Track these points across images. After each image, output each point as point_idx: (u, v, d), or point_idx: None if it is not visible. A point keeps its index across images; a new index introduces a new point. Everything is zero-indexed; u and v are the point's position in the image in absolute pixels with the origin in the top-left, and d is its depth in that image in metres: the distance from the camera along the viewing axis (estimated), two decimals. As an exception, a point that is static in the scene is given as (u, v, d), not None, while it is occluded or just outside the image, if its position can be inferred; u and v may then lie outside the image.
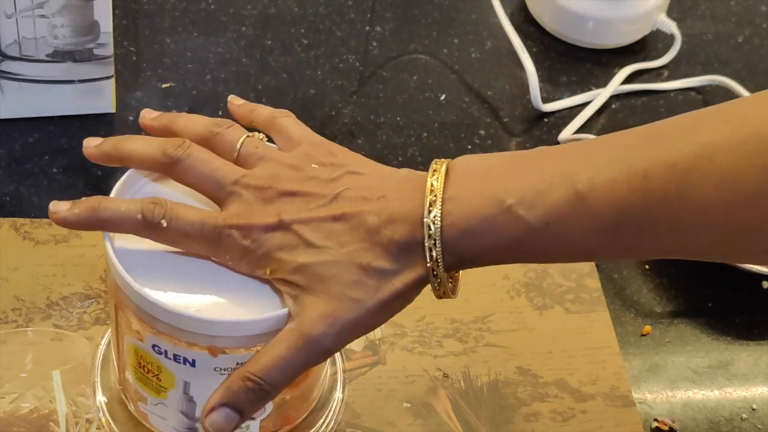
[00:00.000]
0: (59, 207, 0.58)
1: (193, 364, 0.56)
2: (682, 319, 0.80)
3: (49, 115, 0.84)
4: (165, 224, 0.56)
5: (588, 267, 0.81)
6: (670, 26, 1.00)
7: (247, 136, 0.59)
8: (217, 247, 0.56)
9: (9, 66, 0.81)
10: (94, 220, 0.57)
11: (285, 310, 0.55)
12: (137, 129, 0.85)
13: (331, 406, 0.68)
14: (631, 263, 0.83)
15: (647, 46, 1.02)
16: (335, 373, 0.69)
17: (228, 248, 0.56)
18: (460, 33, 1.00)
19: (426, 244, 0.54)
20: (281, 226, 0.55)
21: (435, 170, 0.56)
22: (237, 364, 0.56)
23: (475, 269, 0.78)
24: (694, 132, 0.52)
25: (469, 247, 0.55)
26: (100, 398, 0.65)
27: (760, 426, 0.74)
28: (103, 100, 0.85)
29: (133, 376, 0.60)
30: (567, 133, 0.91)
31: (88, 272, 0.74)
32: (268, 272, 0.56)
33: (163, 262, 0.57)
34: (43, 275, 0.73)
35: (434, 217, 0.54)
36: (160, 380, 0.58)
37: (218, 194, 0.57)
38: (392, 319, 0.74)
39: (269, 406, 0.60)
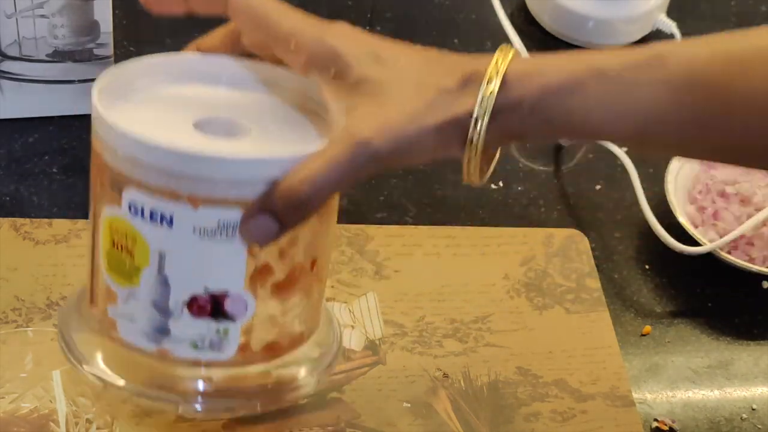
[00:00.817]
0: None
1: (170, 222, 0.53)
2: (682, 319, 0.80)
3: (49, 115, 0.84)
4: None
5: (588, 267, 0.81)
6: (670, 26, 1.00)
7: None
8: (288, 29, 0.56)
9: (9, 66, 0.81)
10: None
11: (271, 156, 0.53)
12: (137, 129, 0.86)
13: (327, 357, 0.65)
14: (631, 263, 0.83)
15: (647, 46, 1.02)
16: (331, 324, 0.66)
17: (296, 37, 0.56)
18: (460, 33, 1.00)
19: (487, 71, 0.53)
20: (349, 27, 0.57)
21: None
22: (218, 223, 0.52)
23: (476, 269, 0.79)
24: None
25: (529, 87, 0.54)
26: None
27: (760, 426, 0.74)
28: (103, 100, 0.85)
29: (106, 264, 0.56)
30: (567, 133, 0.91)
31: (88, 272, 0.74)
32: (331, 73, 0.55)
33: (154, 118, 0.55)
34: (42, 275, 0.73)
35: (503, 55, 0.54)
36: (133, 258, 0.54)
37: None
38: (392, 318, 0.75)
39: (251, 303, 0.56)
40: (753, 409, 0.75)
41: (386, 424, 0.69)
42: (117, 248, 0.55)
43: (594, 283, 0.80)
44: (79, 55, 0.81)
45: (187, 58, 0.62)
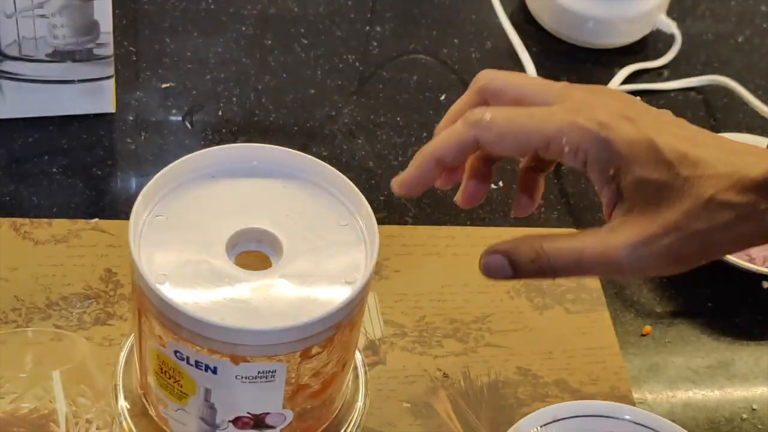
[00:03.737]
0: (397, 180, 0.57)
1: (214, 371, 0.55)
2: (683, 319, 0.80)
3: (49, 115, 0.84)
4: (489, 117, 0.54)
5: (588, 267, 0.81)
6: (670, 26, 1.00)
7: None
8: (554, 132, 0.53)
9: (9, 66, 0.81)
10: (426, 156, 0.56)
11: (306, 321, 0.54)
12: (137, 129, 0.86)
13: (353, 416, 0.66)
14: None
15: (647, 46, 1.02)
16: (357, 377, 0.68)
17: (565, 137, 0.53)
18: (460, 33, 1.00)
19: None
20: (627, 118, 0.52)
21: None
22: (258, 372, 0.55)
23: (476, 269, 0.79)
24: None
25: None
26: (123, 403, 0.64)
27: (760, 426, 0.74)
28: (103, 99, 0.85)
29: (155, 381, 0.60)
30: (567, 133, 0.91)
31: (88, 272, 0.74)
32: (611, 172, 0.52)
33: (189, 268, 0.56)
34: (42, 275, 0.73)
35: None
36: (181, 386, 0.58)
37: (547, 99, 0.54)
38: (392, 318, 0.75)
39: (289, 415, 0.59)
40: (753, 409, 0.75)
41: (386, 424, 0.69)
42: (165, 375, 0.58)
43: (594, 283, 0.80)
44: (79, 55, 0.81)
45: (218, 154, 0.61)
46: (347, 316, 0.56)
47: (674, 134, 0.53)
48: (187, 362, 0.56)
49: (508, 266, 0.54)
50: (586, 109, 0.53)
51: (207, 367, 0.55)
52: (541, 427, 0.68)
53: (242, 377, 0.56)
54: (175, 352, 0.56)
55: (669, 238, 0.51)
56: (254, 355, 0.55)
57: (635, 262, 0.52)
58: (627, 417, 0.69)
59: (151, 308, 0.55)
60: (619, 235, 0.52)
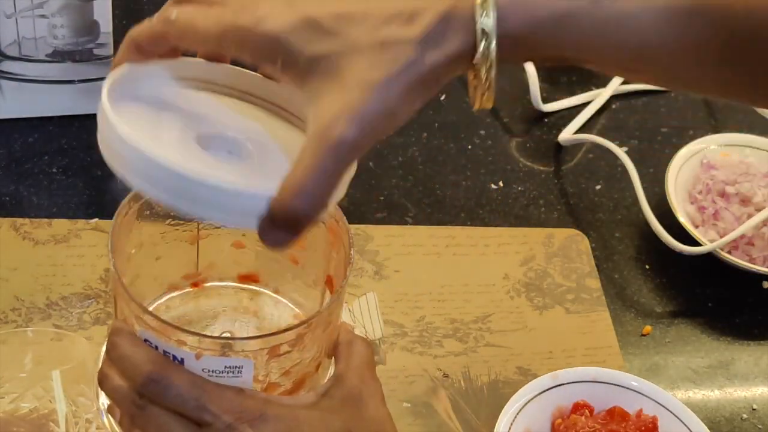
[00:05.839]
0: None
1: (182, 362, 0.56)
2: (683, 319, 0.80)
3: (49, 115, 0.84)
4: (174, 16, 0.54)
5: (588, 267, 0.81)
6: (671, 26, 0.99)
7: None
8: (219, 33, 0.52)
9: (9, 66, 0.81)
10: (127, 39, 0.59)
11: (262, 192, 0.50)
12: (137, 129, 0.86)
13: None
14: (632, 263, 0.82)
15: (647, 46, 1.02)
16: None
17: (229, 37, 0.52)
18: (460, 33, 1.00)
19: (475, 8, 0.49)
20: (288, 3, 0.51)
21: None
22: (225, 367, 0.55)
23: (476, 269, 0.79)
24: None
25: (520, 20, 0.50)
26: (103, 401, 0.65)
27: (760, 426, 0.74)
28: (103, 100, 0.85)
29: None
30: (567, 133, 0.91)
31: (88, 272, 0.74)
32: (279, 63, 0.50)
33: (162, 134, 0.56)
34: (42, 275, 0.73)
35: None
36: None
37: None
38: (392, 318, 0.75)
39: None
40: (753, 409, 0.75)
41: (386, 424, 0.69)
42: None
43: (594, 283, 0.80)
44: (79, 55, 0.81)
45: (196, 65, 0.59)
46: (318, 316, 0.56)
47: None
48: (156, 349, 0.56)
49: (283, 232, 0.50)
50: (250, 6, 0.52)
51: (174, 358, 0.55)
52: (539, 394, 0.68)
53: (209, 371, 0.55)
54: (145, 340, 0.56)
55: (363, 93, 0.49)
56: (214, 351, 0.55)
57: (359, 125, 0.49)
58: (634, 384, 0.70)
59: (120, 292, 0.55)
60: (324, 117, 0.49)
